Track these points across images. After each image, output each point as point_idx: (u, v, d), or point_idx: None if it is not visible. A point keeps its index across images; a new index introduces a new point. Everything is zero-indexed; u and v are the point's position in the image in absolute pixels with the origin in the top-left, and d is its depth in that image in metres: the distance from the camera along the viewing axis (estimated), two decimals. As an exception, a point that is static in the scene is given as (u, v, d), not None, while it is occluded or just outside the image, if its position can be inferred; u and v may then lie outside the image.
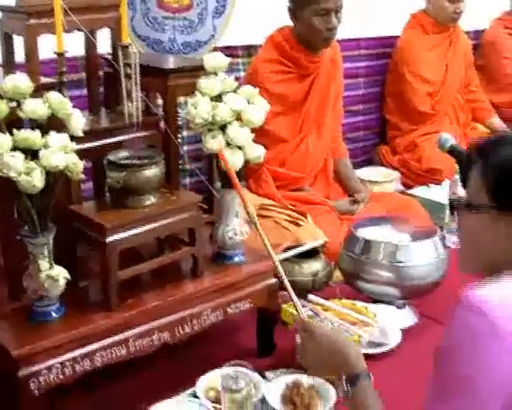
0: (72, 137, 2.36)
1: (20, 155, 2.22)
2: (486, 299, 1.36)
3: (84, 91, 3.03)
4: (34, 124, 2.32)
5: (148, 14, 3.27)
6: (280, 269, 2.06)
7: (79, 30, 2.68)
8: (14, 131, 2.26)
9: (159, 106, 2.93)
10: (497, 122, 5.17)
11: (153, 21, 3.29)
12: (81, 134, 2.40)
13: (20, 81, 2.29)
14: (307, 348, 1.83)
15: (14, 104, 2.32)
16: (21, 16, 2.61)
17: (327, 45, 3.77)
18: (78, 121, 2.39)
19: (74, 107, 2.42)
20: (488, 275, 1.47)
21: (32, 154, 2.27)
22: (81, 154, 2.39)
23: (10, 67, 2.77)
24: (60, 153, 2.26)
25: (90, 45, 2.81)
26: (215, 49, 3.31)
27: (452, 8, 4.78)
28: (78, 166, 2.32)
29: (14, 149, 2.24)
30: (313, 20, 3.63)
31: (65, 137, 2.31)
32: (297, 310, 2.01)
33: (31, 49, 2.59)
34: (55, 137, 2.28)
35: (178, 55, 3.32)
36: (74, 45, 2.74)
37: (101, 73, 2.99)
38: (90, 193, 2.87)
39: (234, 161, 2.61)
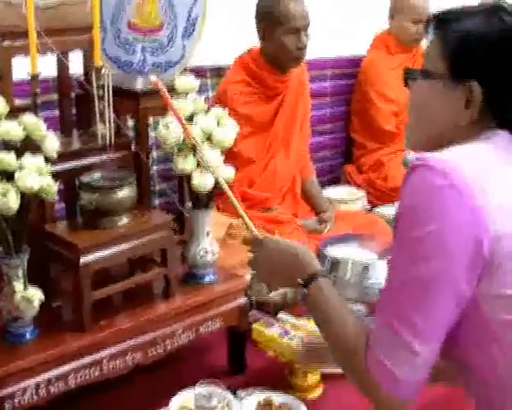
0: (46, 159, 2.38)
1: (-5, 179, 2.24)
2: (439, 158, 1.37)
3: (56, 112, 3.05)
4: (9, 145, 2.33)
5: (119, 36, 3.29)
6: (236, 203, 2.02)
7: (52, 51, 2.70)
8: (-11, 153, 2.28)
9: (129, 127, 2.96)
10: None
11: (123, 43, 3.31)
12: (55, 156, 2.42)
13: (-4, 103, 2.32)
14: (260, 260, 1.79)
15: (-13, 126, 2.35)
16: (-5, 38, 2.63)
17: (297, 64, 3.83)
18: (53, 143, 2.42)
19: (47, 128, 2.45)
20: (435, 150, 1.46)
21: (6, 175, 2.28)
22: (54, 175, 2.40)
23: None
24: (35, 175, 2.28)
25: (63, 67, 2.84)
26: (184, 70, 3.34)
27: (415, 29, 4.86)
28: (52, 187, 2.34)
29: (-11, 172, 2.26)
30: (284, 39, 3.69)
31: (39, 159, 2.33)
32: (248, 229, 1.99)
33: (5, 71, 2.61)
34: (29, 159, 2.30)
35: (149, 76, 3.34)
36: (45, 66, 2.76)
37: (72, 94, 3.00)
38: (61, 213, 2.88)
39: (204, 182, 2.64)
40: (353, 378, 1.49)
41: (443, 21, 1.51)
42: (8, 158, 2.26)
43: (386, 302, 1.43)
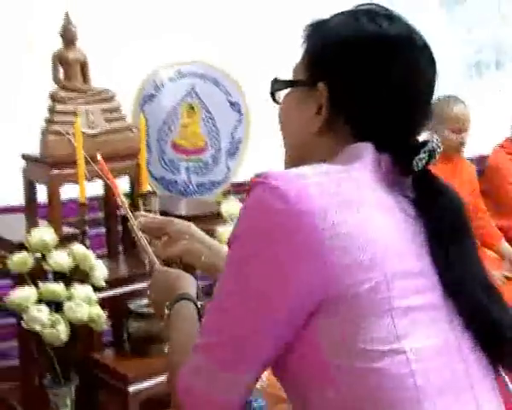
0: (94, 287, 2.40)
1: (45, 309, 2.25)
2: (283, 176, 1.20)
3: (102, 230, 3.09)
4: (58, 275, 2.36)
5: (164, 157, 3.35)
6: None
7: (100, 178, 2.75)
8: (39, 283, 2.30)
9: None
10: (505, 247, 5.19)
11: (168, 163, 3.37)
12: (103, 284, 2.44)
13: (46, 235, 2.34)
14: (149, 289, 1.61)
15: (38, 255, 2.38)
16: (45, 166, 2.69)
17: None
18: (101, 272, 2.43)
19: (92, 247, 2.49)
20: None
21: (56, 305, 2.31)
22: (101, 302, 2.42)
23: (32, 214, 2.83)
24: (84, 305, 2.29)
25: (110, 191, 2.88)
26: (228, 186, 3.39)
27: (457, 139, 4.87)
28: (101, 317, 2.35)
29: (39, 300, 2.28)
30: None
31: (88, 288, 2.35)
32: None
33: (53, 199, 2.66)
34: (78, 289, 2.32)
35: (193, 197, 3.39)
36: (91, 185, 2.82)
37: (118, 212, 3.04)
38: (107, 334, 2.88)
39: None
40: (173, 400, 1.31)
41: (309, 30, 1.40)
42: (58, 289, 2.29)
43: (204, 326, 1.28)
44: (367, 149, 1.28)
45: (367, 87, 1.31)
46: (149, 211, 2.68)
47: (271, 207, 1.18)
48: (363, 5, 1.38)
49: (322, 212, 1.17)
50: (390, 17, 1.35)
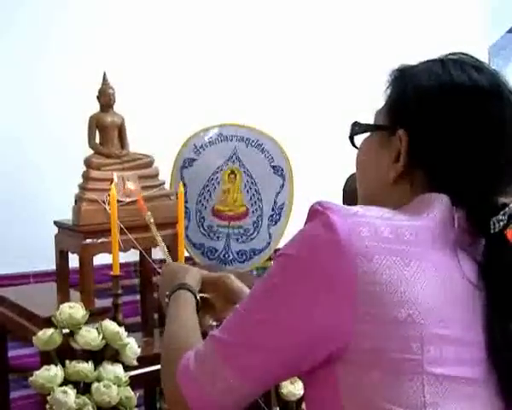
0: (125, 366, 2.26)
1: (71, 392, 2.11)
2: (344, 213, 1.15)
3: (136, 297, 2.98)
4: (86, 352, 2.22)
5: (203, 223, 3.24)
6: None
7: (135, 248, 2.64)
8: (67, 362, 2.17)
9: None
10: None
11: (207, 230, 3.25)
12: (135, 364, 2.29)
13: (76, 312, 2.21)
14: (159, 282, 1.71)
15: (66, 330, 2.25)
16: (77, 235, 2.58)
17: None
18: (133, 351, 2.29)
19: (125, 315, 2.42)
20: None
21: (83, 385, 2.17)
22: (133, 381, 2.27)
23: (63, 283, 2.73)
24: (113, 387, 2.15)
25: (145, 258, 2.76)
26: (270, 257, 3.27)
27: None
28: (131, 400, 2.20)
29: (66, 381, 2.15)
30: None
31: (118, 368, 2.21)
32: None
33: (85, 269, 2.56)
34: (108, 369, 2.19)
35: (233, 265, 3.27)
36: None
37: (154, 279, 2.92)
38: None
39: (294, 391, 2.47)
40: (165, 384, 1.32)
41: (394, 75, 1.36)
42: (86, 370, 2.15)
43: (225, 323, 1.23)
44: (440, 201, 1.22)
45: (450, 137, 1.25)
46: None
47: (321, 240, 1.14)
48: (451, 54, 1.33)
49: (368, 254, 1.12)
50: (479, 67, 1.29)
